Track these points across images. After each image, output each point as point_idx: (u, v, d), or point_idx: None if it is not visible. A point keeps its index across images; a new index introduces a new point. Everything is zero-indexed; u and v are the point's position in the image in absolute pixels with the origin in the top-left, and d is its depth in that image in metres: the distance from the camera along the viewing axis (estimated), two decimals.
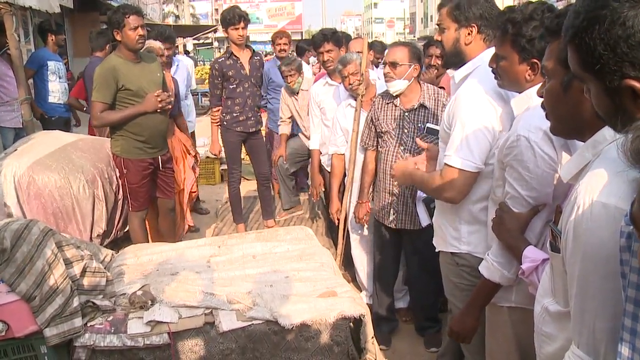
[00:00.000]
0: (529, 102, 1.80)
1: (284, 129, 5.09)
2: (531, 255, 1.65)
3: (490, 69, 2.10)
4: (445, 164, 2.09)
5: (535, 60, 1.78)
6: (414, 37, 49.85)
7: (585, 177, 1.14)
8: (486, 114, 2.05)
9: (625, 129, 0.91)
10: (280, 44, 5.64)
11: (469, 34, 2.14)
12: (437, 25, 2.23)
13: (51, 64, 5.86)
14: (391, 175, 2.67)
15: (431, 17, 47.74)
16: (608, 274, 1.06)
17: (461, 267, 2.25)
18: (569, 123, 1.31)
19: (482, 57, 2.14)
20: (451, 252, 2.27)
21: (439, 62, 3.93)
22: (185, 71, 5.85)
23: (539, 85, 1.78)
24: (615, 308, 1.05)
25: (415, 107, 3.12)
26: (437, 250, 2.40)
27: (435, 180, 2.14)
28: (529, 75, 1.81)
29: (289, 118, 5.06)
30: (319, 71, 5.73)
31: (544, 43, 1.72)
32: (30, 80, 5.72)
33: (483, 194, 2.10)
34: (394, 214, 3.22)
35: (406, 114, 3.13)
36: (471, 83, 2.11)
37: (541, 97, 1.37)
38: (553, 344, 1.34)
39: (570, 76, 1.25)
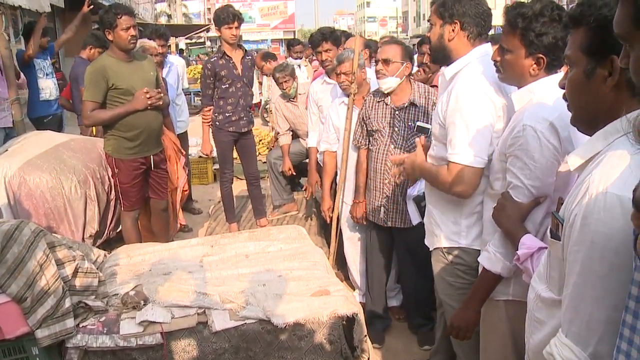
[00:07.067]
0: (531, 96, 1.83)
1: (284, 139, 5.11)
2: (528, 242, 1.68)
3: (481, 64, 2.12)
4: (451, 161, 2.12)
5: (541, 56, 1.81)
6: (407, 35, 49.89)
7: (598, 166, 1.13)
8: (486, 111, 2.09)
9: None
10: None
11: (452, 30, 2.20)
12: (428, 21, 2.33)
13: (37, 62, 5.83)
14: (395, 163, 2.50)
15: (423, 15, 47.82)
16: (614, 265, 1.06)
17: (455, 266, 2.28)
18: (589, 112, 1.30)
19: (471, 55, 2.19)
20: (446, 250, 2.30)
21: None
22: (176, 73, 5.82)
23: (540, 80, 1.83)
24: (615, 300, 1.04)
25: (405, 106, 3.13)
26: (431, 249, 2.42)
27: (444, 175, 2.16)
28: (533, 69, 1.84)
29: (287, 130, 5.10)
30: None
31: (551, 38, 1.78)
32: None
33: (481, 188, 2.14)
34: (384, 212, 3.22)
35: (397, 112, 3.14)
36: (466, 80, 2.14)
37: (562, 88, 1.38)
38: (542, 330, 1.35)
39: (593, 64, 1.25)
